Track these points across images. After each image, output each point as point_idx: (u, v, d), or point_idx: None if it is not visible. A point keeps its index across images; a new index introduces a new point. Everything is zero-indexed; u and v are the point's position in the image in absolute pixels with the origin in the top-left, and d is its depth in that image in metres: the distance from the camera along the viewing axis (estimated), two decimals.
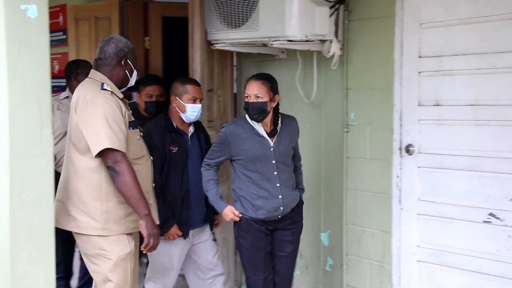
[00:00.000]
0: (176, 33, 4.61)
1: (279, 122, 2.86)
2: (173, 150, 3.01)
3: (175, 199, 2.99)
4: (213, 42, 3.56)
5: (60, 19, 5.55)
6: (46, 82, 1.82)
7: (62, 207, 2.49)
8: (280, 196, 2.82)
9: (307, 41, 3.18)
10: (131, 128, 2.49)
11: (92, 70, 2.59)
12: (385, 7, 3.21)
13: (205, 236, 3.16)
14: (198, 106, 2.99)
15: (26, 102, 1.76)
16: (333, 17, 3.25)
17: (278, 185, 2.82)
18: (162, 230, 2.87)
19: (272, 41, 3.17)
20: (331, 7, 3.19)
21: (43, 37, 1.81)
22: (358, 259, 3.19)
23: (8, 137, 1.72)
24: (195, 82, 3.11)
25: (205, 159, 2.92)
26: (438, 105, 3.03)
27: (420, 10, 3.05)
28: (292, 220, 2.90)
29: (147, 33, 4.92)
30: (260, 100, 2.74)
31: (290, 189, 2.88)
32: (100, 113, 2.35)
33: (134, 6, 4.94)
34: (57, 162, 3.52)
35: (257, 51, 3.57)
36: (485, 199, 2.90)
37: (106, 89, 2.43)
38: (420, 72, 3.09)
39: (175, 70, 4.80)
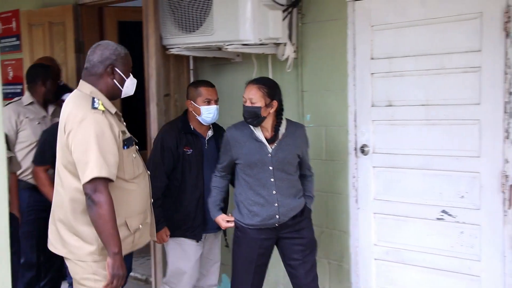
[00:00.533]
0: (132, 37, 4.62)
1: (284, 128, 2.86)
2: (187, 151, 3.06)
3: (190, 201, 3.05)
4: (168, 47, 3.62)
5: (13, 24, 5.50)
6: None
7: (55, 231, 2.39)
8: (276, 204, 2.81)
9: (261, 44, 3.26)
10: (125, 147, 2.36)
11: (80, 80, 2.44)
12: (337, 9, 3.30)
13: (215, 244, 3.24)
14: (212, 107, 3.02)
15: None
16: (287, 20, 3.32)
17: (274, 192, 2.81)
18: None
19: (227, 45, 3.23)
20: (284, 11, 3.25)
21: None
22: (317, 259, 3.25)
23: None
24: (208, 84, 3.13)
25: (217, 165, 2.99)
26: (390, 105, 3.14)
27: (371, 12, 3.15)
28: (293, 228, 2.87)
29: (103, 37, 4.86)
30: (254, 104, 2.75)
31: (289, 197, 2.86)
32: (90, 137, 2.22)
33: (88, 11, 4.93)
34: (30, 173, 3.53)
35: (213, 55, 3.64)
36: (438, 197, 3.02)
37: (96, 108, 2.27)
38: (372, 74, 3.19)
39: (132, 74, 4.81)
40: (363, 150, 3.21)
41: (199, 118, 3.05)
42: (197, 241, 3.10)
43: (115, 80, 2.41)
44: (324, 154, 3.27)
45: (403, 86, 3.09)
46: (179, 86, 3.81)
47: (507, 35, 2.78)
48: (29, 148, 3.58)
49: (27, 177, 3.55)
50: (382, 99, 3.18)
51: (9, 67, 5.54)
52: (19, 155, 3.52)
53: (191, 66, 4.03)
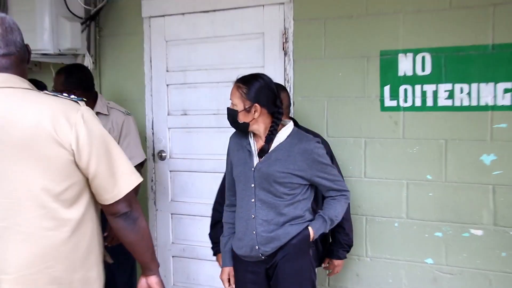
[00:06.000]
0: None
1: (283, 138, 2.32)
2: None
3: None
4: None
5: None
6: None
7: None
8: (253, 232, 2.31)
9: (60, 54, 3.37)
10: None
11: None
12: (134, 24, 3.56)
13: None
14: None
15: None
16: (85, 32, 3.50)
17: (253, 216, 2.31)
18: None
19: None
20: (82, 23, 3.45)
21: None
22: None
23: None
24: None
25: None
26: (185, 114, 3.49)
27: (166, 28, 3.49)
28: (282, 255, 2.31)
29: None
30: (233, 107, 2.30)
31: (271, 225, 2.29)
32: (108, 140, 1.96)
33: None
34: None
35: None
36: None
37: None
38: (168, 85, 3.51)
39: None
40: (160, 155, 3.53)
41: None
42: None
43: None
44: None
45: (196, 97, 3.44)
46: None
47: (285, 54, 3.17)
48: None
49: None
50: (177, 108, 3.51)
51: None
52: None
53: None
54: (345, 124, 3.04)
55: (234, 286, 2.46)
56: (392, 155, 3.00)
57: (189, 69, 3.43)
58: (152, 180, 3.57)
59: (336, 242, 2.70)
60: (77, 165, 1.77)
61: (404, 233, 3.02)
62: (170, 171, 3.53)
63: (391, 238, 3.04)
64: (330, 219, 2.33)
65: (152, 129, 3.55)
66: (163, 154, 3.51)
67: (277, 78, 3.14)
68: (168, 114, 3.51)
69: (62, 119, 1.71)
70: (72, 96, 1.84)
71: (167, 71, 3.49)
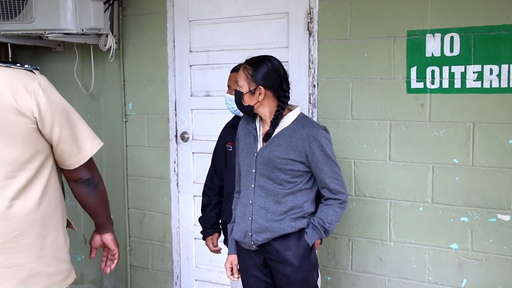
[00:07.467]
0: None
1: (288, 123, 2.30)
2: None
3: None
4: None
5: None
6: None
7: (11, 272, 1.81)
8: (249, 218, 2.32)
9: (83, 34, 3.40)
10: None
11: None
12: (157, 4, 3.55)
13: None
14: (227, 96, 2.68)
15: None
16: (108, 12, 3.50)
17: (250, 202, 2.33)
18: None
19: (48, 34, 3.32)
20: (105, 2, 3.44)
21: None
22: (141, 241, 3.51)
23: None
24: (234, 68, 2.75)
25: None
26: (208, 95, 3.48)
27: (189, 8, 3.47)
28: (274, 255, 2.31)
29: None
30: (240, 89, 2.30)
31: (269, 214, 2.28)
32: (67, 107, 2.00)
33: None
34: None
35: (33, 44, 3.68)
36: None
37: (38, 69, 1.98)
38: (191, 66, 3.51)
39: None
40: (183, 137, 3.53)
41: None
42: None
43: None
44: (147, 141, 3.56)
45: (219, 78, 3.39)
46: None
47: (310, 34, 3.12)
48: None
49: None
50: (200, 90, 3.49)
51: None
52: None
53: (10, 55, 3.96)
54: (370, 106, 3.00)
55: (237, 275, 2.44)
56: (417, 138, 2.94)
57: (213, 49, 3.41)
58: (174, 162, 3.56)
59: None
60: (40, 133, 1.80)
61: (429, 217, 2.98)
62: (193, 152, 3.53)
63: (416, 222, 3.00)
64: (321, 226, 2.28)
65: (175, 110, 3.54)
66: (186, 136, 3.50)
67: (302, 59, 3.17)
68: (191, 95, 3.51)
69: (20, 88, 1.72)
70: (26, 66, 1.86)
71: (190, 51, 3.48)
